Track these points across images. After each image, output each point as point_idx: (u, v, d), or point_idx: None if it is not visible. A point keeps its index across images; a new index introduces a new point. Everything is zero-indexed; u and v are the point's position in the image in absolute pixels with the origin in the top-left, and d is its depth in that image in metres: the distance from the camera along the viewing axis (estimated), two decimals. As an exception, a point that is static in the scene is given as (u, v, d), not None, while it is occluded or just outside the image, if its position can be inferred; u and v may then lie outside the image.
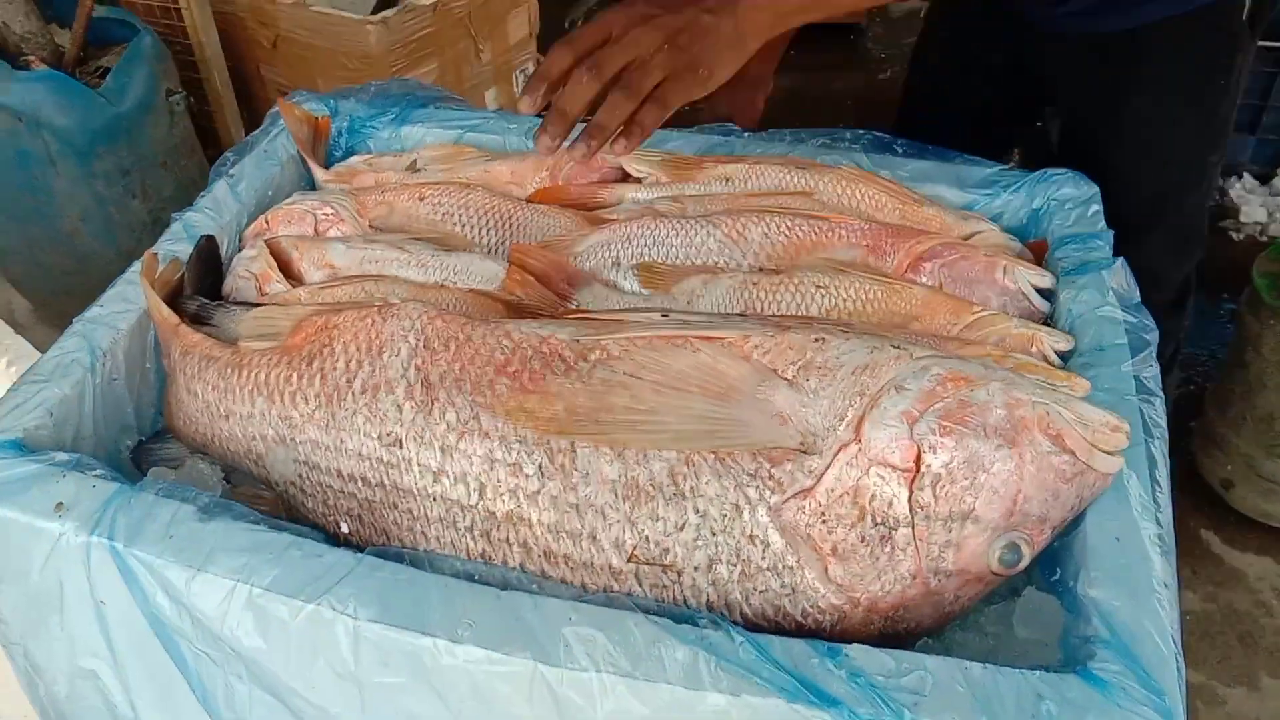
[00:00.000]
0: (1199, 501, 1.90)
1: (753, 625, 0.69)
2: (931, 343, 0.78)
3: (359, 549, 0.72)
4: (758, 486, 0.68)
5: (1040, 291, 0.94)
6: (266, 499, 0.81)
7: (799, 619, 0.69)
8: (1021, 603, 0.76)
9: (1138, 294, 0.94)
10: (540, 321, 0.76)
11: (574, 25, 3.86)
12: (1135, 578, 0.70)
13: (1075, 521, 0.73)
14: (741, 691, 0.63)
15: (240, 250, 1.03)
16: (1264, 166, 2.78)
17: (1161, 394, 0.85)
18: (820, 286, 0.86)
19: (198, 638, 0.72)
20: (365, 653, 0.68)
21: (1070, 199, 1.03)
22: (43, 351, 1.35)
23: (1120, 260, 0.96)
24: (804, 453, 0.68)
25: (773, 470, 0.68)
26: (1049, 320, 0.93)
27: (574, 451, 0.69)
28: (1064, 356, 0.88)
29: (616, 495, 0.68)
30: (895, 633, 0.71)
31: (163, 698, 0.78)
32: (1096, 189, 1.04)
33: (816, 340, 0.71)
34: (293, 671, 0.70)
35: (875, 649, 0.65)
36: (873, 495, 0.68)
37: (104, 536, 0.73)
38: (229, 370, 0.82)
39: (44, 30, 2.04)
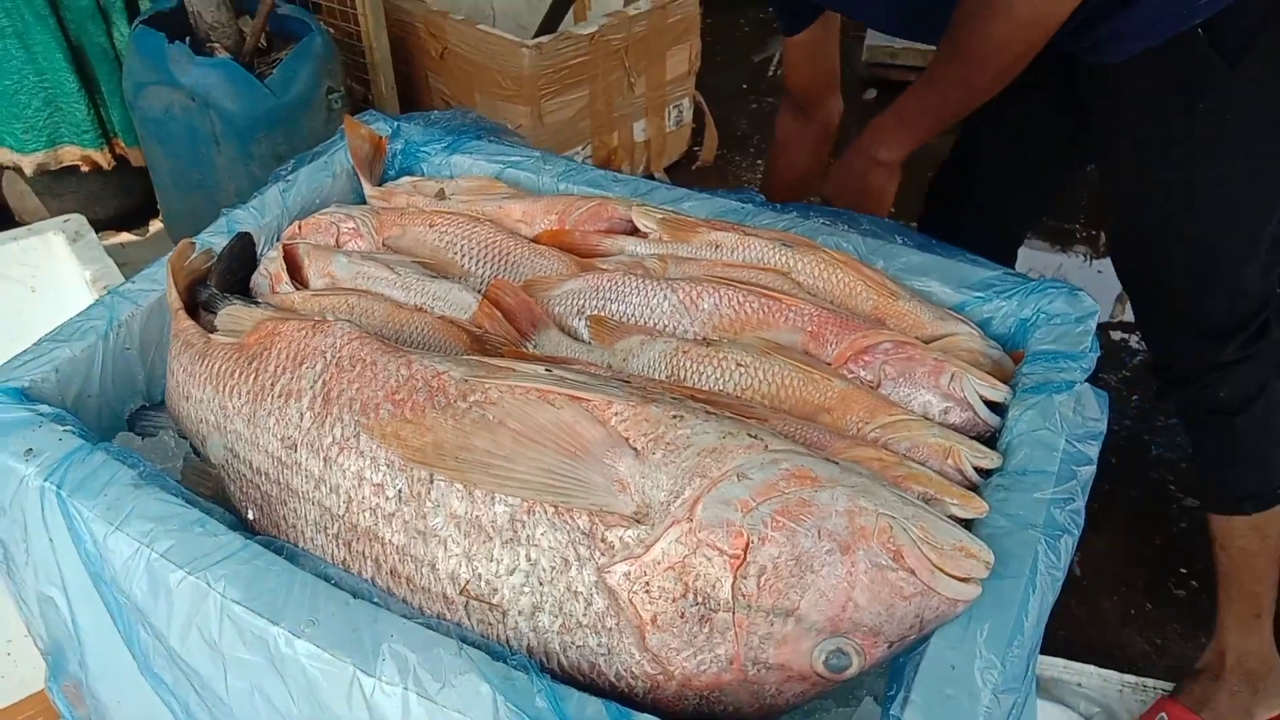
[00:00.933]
0: None
1: (568, 677, 0.72)
2: (820, 437, 0.79)
3: (249, 535, 0.80)
4: (589, 545, 0.71)
5: (994, 405, 0.92)
6: (210, 478, 0.90)
7: (613, 679, 0.72)
8: (858, 713, 0.76)
9: (1102, 423, 0.91)
10: (441, 358, 0.81)
11: (772, 64, 3.91)
12: (953, 709, 0.69)
13: (919, 640, 0.73)
14: (526, 735, 0.66)
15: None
16: None
17: (1076, 531, 0.82)
18: (741, 365, 0.88)
19: (108, 581, 0.82)
20: (228, 630, 0.75)
21: (1060, 314, 1.00)
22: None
23: (1086, 386, 0.93)
24: (637, 521, 0.71)
25: (605, 533, 0.71)
26: (994, 436, 0.91)
27: (431, 483, 0.74)
28: (988, 474, 0.86)
29: (460, 530, 0.73)
30: (713, 713, 0.72)
31: (101, 630, 0.89)
32: (1095, 308, 1.01)
33: (674, 417, 0.74)
34: (174, 633, 0.79)
35: (684, 721, 0.67)
36: (697, 574, 0.70)
37: (54, 484, 0.84)
38: (197, 357, 0.92)
39: (232, 20, 2.26)
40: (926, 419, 0.87)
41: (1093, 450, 0.88)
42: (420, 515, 0.74)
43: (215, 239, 1.12)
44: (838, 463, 0.74)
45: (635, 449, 0.73)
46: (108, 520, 0.81)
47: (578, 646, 0.72)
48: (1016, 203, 1.56)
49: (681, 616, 0.70)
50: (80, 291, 1.72)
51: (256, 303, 1.02)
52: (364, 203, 1.24)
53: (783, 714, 0.74)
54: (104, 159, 2.49)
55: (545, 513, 0.72)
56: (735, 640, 0.70)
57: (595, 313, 0.97)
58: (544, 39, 2.44)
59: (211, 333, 0.97)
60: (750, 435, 0.73)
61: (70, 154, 2.48)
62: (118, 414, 1.03)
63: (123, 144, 2.53)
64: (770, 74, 3.82)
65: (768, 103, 3.59)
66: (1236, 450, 1.37)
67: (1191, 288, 1.29)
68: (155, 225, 2.76)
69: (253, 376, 0.86)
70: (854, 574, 0.69)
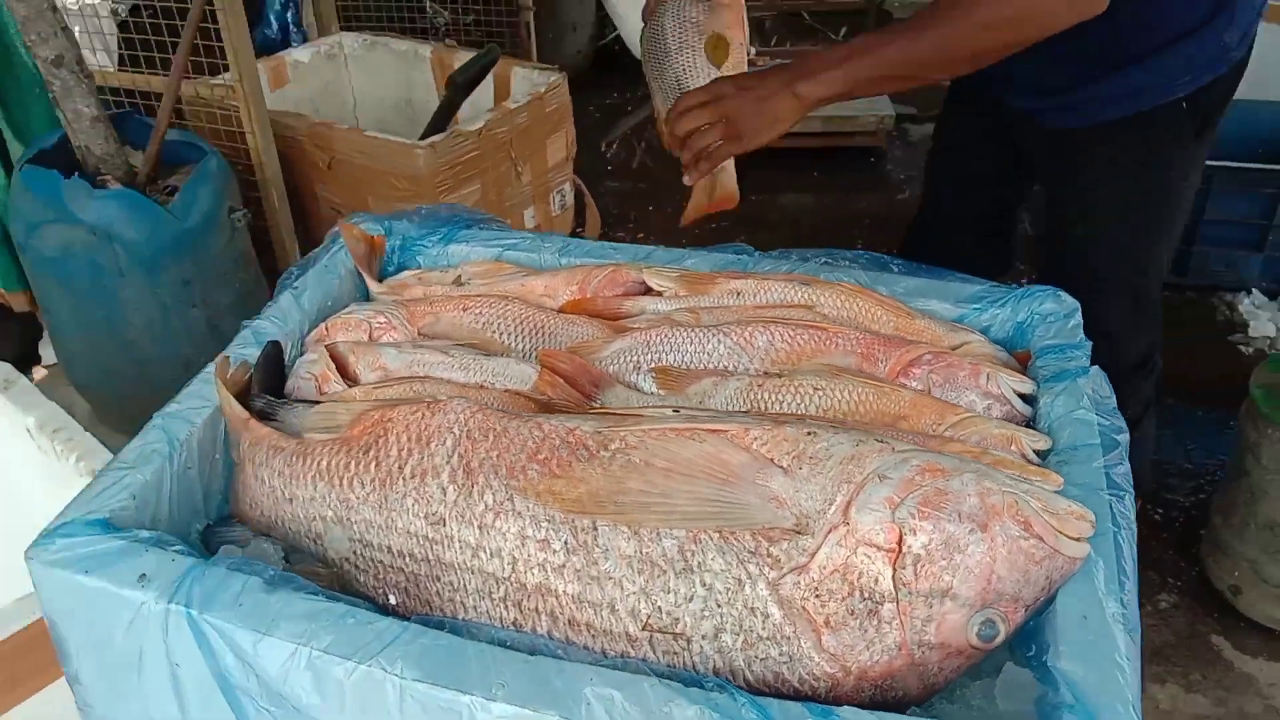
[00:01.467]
0: (1209, 607, 1.94)
1: (754, 690, 0.77)
2: (914, 439, 0.87)
3: (405, 618, 0.81)
4: (757, 563, 0.77)
5: (1023, 397, 1.03)
6: (322, 575, 0.91)
7: (796, 685, 0.77)
8: (1002, 677, 0.84)
9: (1113, 399, 1.03)
10: (567, 416, 0.86)
11: (610, 148, 4.08)
12: (1099, 652, 0.77)
13: (1047, 601, 0.81)
14: (741, 746, 0.71)
15: (302, 354, 1.15)
16: (1271, 283, 2.88)
17: (1131, 490, 0.94)
18: (818, 388, 0.96)
19: (262, 696, 0.81)
20: (410, 709, 0.76)
21: (1051, 313, 1.13)
22: (111, 450, 1.48)
23: (1096, 369, 1.05)
24: (798, 533, 0.77)
25: (770, 548, 0.77)
26: (1030, 423, 1.02)
27: (595, 529, 0.79)
28: (1042, 455, 0.96)
29: (633, 569, 0.77)
30: (884, 701, 0.78)
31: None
32: (1077, 304, 1.15)
33: (809, 434, 0.81)
34: (345, 727, 0.79)
35: (864, 711, 0.73)
36: (860, 572, 0.76)
37: (181, 604, 0.83)
38: (294, 458, 0.93)
39: (120, 152, 2.23)
40: (986, 415, 0.97)
41: (1120, 421, 1.00)
42: (591, 562, 0.78)
43: (245, 351, 1.12)
44: (954, 455, 0.82)
45: (782, 467, 0.80)
46: (254, 629, 0.80)
47: (761, 659, 0.77)
48: (983, 258, 1.66)
49: (852, 614, 0.76)
50: (21, 442, 1.64)
51: (316, 401, 1.04)
52: (368, 300, 1.26)
53: (941, 691, 0.81)
54: (-15, 308, 2.38)
55: (711, 539, 0.77)
56: (901, 627, 0.76)
57: (655, 364, 1.03)
58: (436, 138, 2.49)
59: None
60: (878, 440, 0.81)
61: (-56, 308, 2.35)
62: (184, 535, 1.01)
63: (1, 290, 2.42)
64: (624, 157, 3.99)
65: (628, 183, 3.76)
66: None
67: (1125, 332, 1.47)
68: (39, 372, 2.63)
69: (374, 464, 0.87)
70: (994, 548, 0.77)
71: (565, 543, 0.79)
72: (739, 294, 1.13)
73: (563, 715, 0.73)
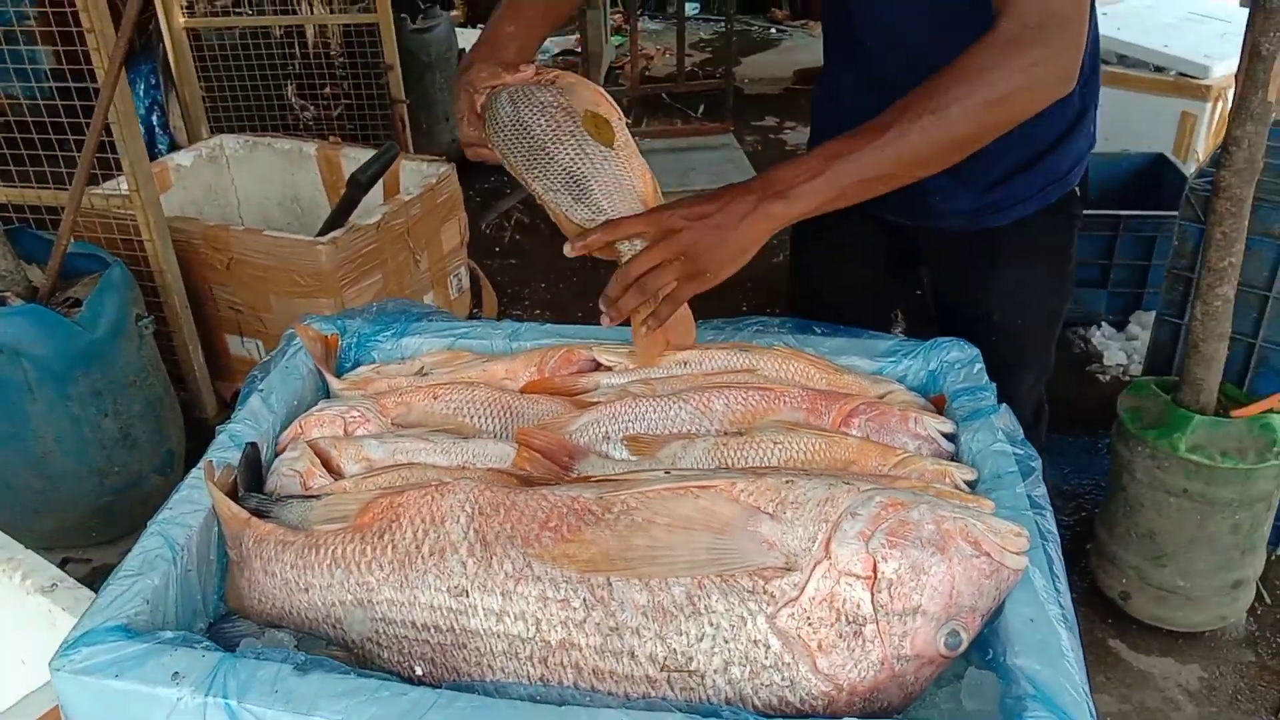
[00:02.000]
0: (1103, 613, 2.13)
1: (763, 714, 0.87)
2: (870, 480, 0.99)
3: (434, 686, 0.88)
4: (756, 600, 0.87)
5: (945, 435, 1.17)
6: (339, 656, 0.96)
7: (799, 706, 0.87)
8: (966, 681, 0.96)
9: (1020, 430, 1.19)
10: (568, 486, 0.95)
11: (489, 229, 4.18)
12: (1048, 648, 0.90)
13: (997, 611, 0.94)
14: (763, 761, 0.80)
15: (278, 454, 1.20)
16: (1118, 315, 3.17)
17: (1050, 508, 1.08)
18: (776, 442, 1.07)
19: (306, 777, 0.86)
20: (454, 769, 0.83)
21: (958, 360, 1.29)
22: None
23: (1004, 406, 1.20)
24: (788, 570, 0.88)
25: (766, 586, 0.87)
26: (955, 458, 1.16)
27: (610, 585, 0.87)
28: (971, 485, 1.10)
29: (647, 617, 0.87)
30: (872, 712, 0.89)
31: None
32: (978, 351, 1.30)
33: (787, 482, 0.92)
34: (391, 793, 0.85)
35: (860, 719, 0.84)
36: (844, 599, 0.87)
37: (218, 696, 0.87)
38: (305, 550, 0.99)
39: (19, 268, 2.21)
40: (920, 454, 1.10)
41: (1031, 449, 1.15)
42: (609, 614, 0.87)
43: (225, 455, 1.17)
44: (907, 490, 0.95)
45: (768, 513, 0.90)
46: (295, 712, 0.85)
47: (766, 686, 0.87)
48: None
49: (840, 636, 0.87)
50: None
51: (306, 497, 1.09)
52: (329, 397, 1.32)
53: (916, 700, 0.93)
54: (-125, 436, 2.29)
55: (714, 583, 0.87)
56: (882, 644, 0.87)
57: (623, 434, 1.13)
58: (337, 234, 2.55)
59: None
60: (845, 483, 0.93)
61: None
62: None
63: (-110, 417, 2.34)
64: (499, 235, 4.10)
65: (510, 260, 3.87)
66: None
67: (1029, 393, 1.64)
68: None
69: (390, 547, 0.94)
70: (952, 567, 0.89)
71: (584, 600, 0.87)
72: (685, 363, 1.25)
73: (598, 761, 0.81)
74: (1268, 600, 2.20)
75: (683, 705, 0.85)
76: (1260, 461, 1.87)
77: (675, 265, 1.09)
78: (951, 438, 1.18)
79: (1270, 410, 1.91)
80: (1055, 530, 1.06)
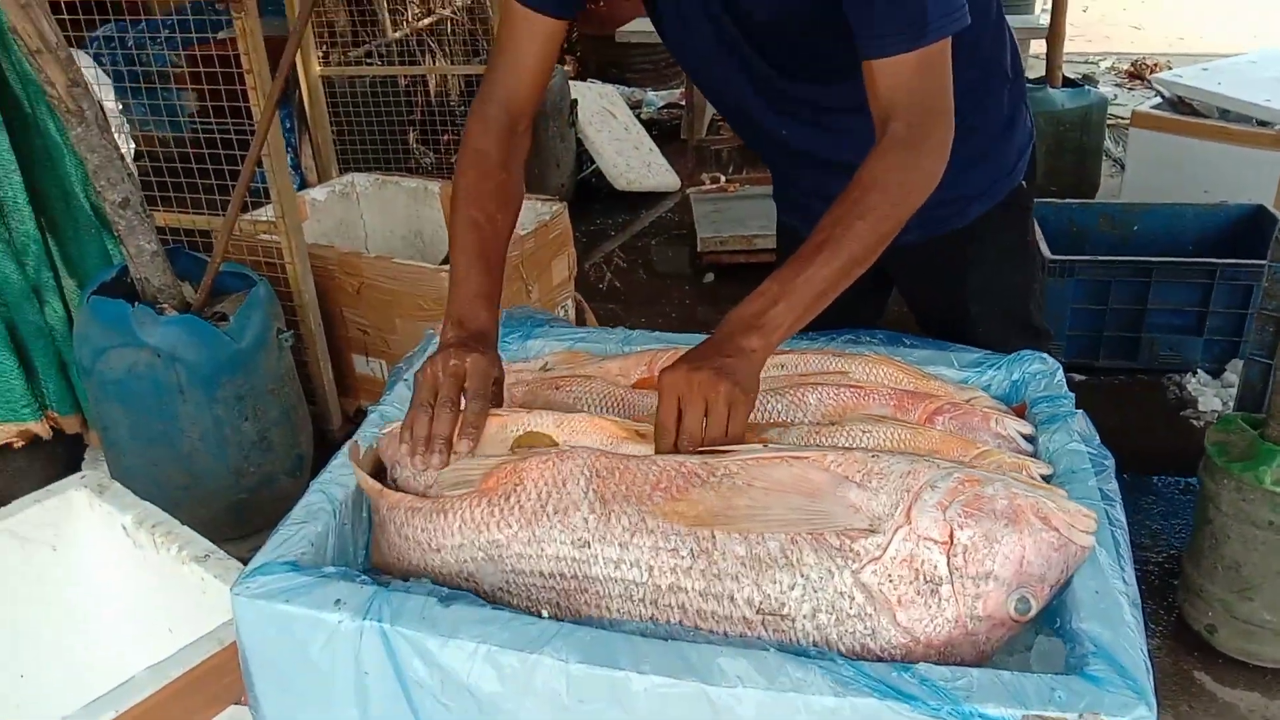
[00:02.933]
0: (1190, 647, 2.15)
1: (846, 657, 0.97)
2: (951, 461, 1.10)
3: (558, 620, 1.01)
4: (843, 556, 0.98)
5: (1025, 437, 1.27)
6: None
7: (878, 653, 0.98)
8: (1035, 649, 1.05)
9: (1096, 436, 1.27)
10: (673, 454, 1.08)
11: (591, 270, 4.35)
12: (1110, 615, 0.99)
13: (1066, 584, 1.03)
14: (847, 695, 0.91)
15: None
16: (1214, 363, 3.18)
17: (1120, 500, 1.17)
18: (865, 431, 1.19)
19: (442, 692, 1.00)
20: (575, 687, 0.95)
21: (1040, 372, 1.38)
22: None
23: (1081, 412, 1.30)
24: (872, 532, 0.99)
25: (852, 545, 0.98)
26: (1033, 457, 1.25)
27: (714, 538, 1.00)
28: (1046, 479, 1.19)
29: (746, 566, 0.98)
30: (947, 665, 0.99)
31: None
32: (1059, 365, 1.40)
33: (873, 456, 1.04)
34: (520, 706, 0.98)
35: (936, 665, 0.94)
36: (922, 561, 0.98)
37: (375, 620, 1.02)
38: (434, 515, 1.13)
39: (175, 283, 2.45)
40: (1000, 450, 1.20)
41: (1105, 450, 1.24)
42: (712, 563, 0.99)
43: (375, 430, 1.33)
44: (984, 470, 1.05)
45: (855, 482, 1.02)
46: (439, 634, 0.99)
47: (850, 633, 0.98)
48: None
49: (918, 594, 0.97)
50: (116, 541, 1.81)
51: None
52: (460, 390, 1.48)
53: (990, 659, 1.02)
54: (43, 429, 2.54)
55: (806, 540, 0.99)
56: (956, 603, 0.98)
57: (726, 424, 1.26)
58: (457, 262, 2.74)
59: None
60: (926, 460, 1.04)
61: (3, 431, 2.52)
62: (343, 582, 1.20)
63: (55, 414, 2.59)
64: (606, 278, 4.29)
65: (609, 306, 4.04)
66: None
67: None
68: (84, 492, 2.77)
69: (517, 508, 1.08)
70: (1023, 539, 0.99)
71: (691, 550, 1.00)
72: (782, 365, 1.37)
73: (702, 681, 0.93)
74: (1360, 642, 2.19)
75: (775, 644, 0.97)
76: (1349, 497, 1.89)
77: (719, 400, 1.11)
78: (1030, 439, 1.27)
79: (1359, 447, 1.93)
80: (1124, 521, 1.15)
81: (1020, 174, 1.65)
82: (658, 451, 1.12)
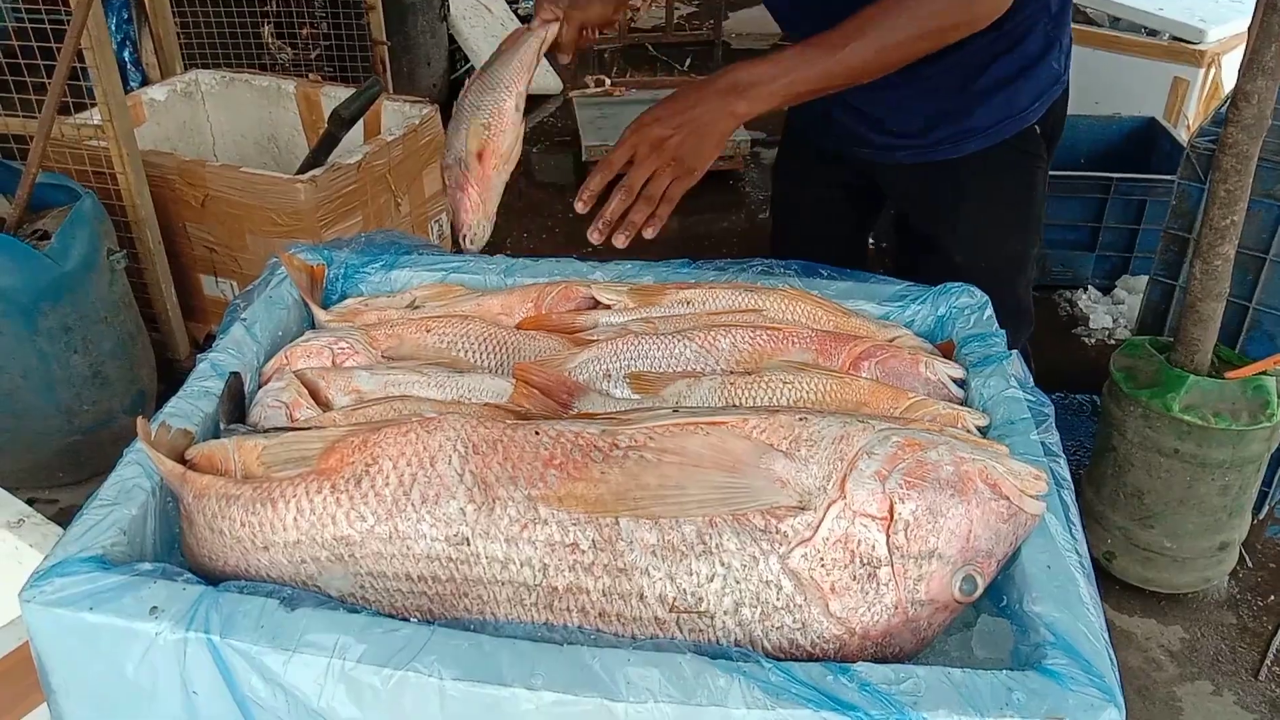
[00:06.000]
0: (1087, 574, 2.12)
1: (772, 657, 0.83)
2: (887, 420, 0.96)
3: (428, 624, 0.84)
4: (769, 539, 0.83)
5: (956, 381, 1.14)
6: (328, 594, 0.92)
7: (809, 649, 0.84)
8: (977, 629, 0.93)
9: (1031, 379, 1.15)
10: (569, 420, 0.90)
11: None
12: (1067, 594, 0.87)
13: (1013, 556, 0.91)
14: (776, 707, 0.77)
15: (261, 385, 1.15)
16: (1104, 280, 3.16)
17: (1063, 455, 1.05)
18: (786, 382, 1.03)
19: (290, 714, 0.82)
20: (452, 709, 0.79)
21: (967, 306, 1.25)
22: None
23: (1015, 353, 1.17)
24: (802, 509, 0.84)
25: (779, 526, 0.83)
26: (965, 404, 1.13)
27: (618, 524, 0.83)
28: (983, 430, 1.07)
29: (657, 556, 0.83)
30: (884, 658, 0.86)
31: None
32: (987, 298, 1.27)
33: (801, 419, 0.88)
34: (387, 733, 0.81)
35: (876, 664, 0.80)
36: (859, 540, 0.84)
37: (200, 631, 0.83)
38: (256, 505, 0.91)
39: (-16, 198, 2.13)
40: (932, 398, 1.07)
41: (1043, 396, 1.12)
42: (617, 555, 0.83)
43: (205, 384, 1.11)
44: (924, 430, 0.91)
45: (782, 451, 0.87)
46: (281, 648, 0.81)
47: (777, 628, 0.83)
48: None
49: (854, 579, 0.84)
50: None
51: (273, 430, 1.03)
52: (313, 328, 1.27)
53: (928, 646, 0.90)
54: None
55: (726, 521, 0.83)
56: (897, 587, 0.84)
57: (625, 372, 1.09)
58: (317, 172, 2.48)
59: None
60: (861, 421, 0.89)
61: None
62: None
63: None
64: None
65: (498, 210, 3.79)
66: None
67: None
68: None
69: (373, 495, 0.88)
70: (970, 510, 0.86)
71: (593, 541, 0.83)
72: (689, 303, 1.20)
73: (604, 697, 0.77)
74: (1249, 564, 2.20)
75: (689, 647, 0.82)
76: (1253, 423, 1.86)
77: (668, 170, 1.23)
78: (961, 384, 1.15)
79: (1264, 372, 1.89)
80: (1069, 478, 1.03)
81: (1033, 117, 1.52)
82: (587, 185, 1.26)
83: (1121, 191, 2.98)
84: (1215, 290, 1.86)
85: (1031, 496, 0.89)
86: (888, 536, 0.84)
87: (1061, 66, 1.55)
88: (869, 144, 1.57)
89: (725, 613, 0.83)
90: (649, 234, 1.23)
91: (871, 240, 2.92)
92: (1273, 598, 2.14)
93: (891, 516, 0.84)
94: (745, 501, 0.84)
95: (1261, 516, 2.29)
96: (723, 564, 0.83)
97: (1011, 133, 1.50)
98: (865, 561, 0.84)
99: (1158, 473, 1.93)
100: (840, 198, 1.75)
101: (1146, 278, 2.33)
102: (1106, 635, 0.85)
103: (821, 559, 0.83)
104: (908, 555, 0.84)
